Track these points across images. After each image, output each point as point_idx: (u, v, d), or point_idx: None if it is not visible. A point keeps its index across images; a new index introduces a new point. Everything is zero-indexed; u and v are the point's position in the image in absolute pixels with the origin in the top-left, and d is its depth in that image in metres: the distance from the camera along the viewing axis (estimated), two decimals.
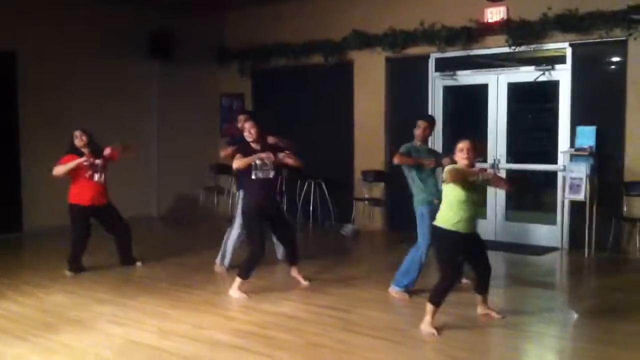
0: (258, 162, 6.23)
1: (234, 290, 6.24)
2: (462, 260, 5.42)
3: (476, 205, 5.27)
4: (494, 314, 5.54)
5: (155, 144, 11.20)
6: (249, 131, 6.32)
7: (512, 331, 5.34)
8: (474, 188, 5.20)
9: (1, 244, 8.89)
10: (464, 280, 6.23)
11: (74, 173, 7.23)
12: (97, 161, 7.29)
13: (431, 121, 6.69)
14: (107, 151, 7.34)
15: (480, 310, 5.58)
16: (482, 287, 5.56)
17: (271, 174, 6.31)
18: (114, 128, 10.28)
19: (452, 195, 5.20)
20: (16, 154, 9.61)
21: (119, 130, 10.29)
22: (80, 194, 7.27)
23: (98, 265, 7.48)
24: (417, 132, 6.50)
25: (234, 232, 7.15)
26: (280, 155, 6.27)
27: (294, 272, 6.69)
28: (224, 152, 7.16)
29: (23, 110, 9.63)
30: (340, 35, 10.26)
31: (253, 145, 6.35)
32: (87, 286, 6.69)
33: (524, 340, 5.24)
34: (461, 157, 5.19)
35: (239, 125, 7.26)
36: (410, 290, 6.19)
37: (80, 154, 7.21)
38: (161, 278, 7.04)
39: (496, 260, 7.88)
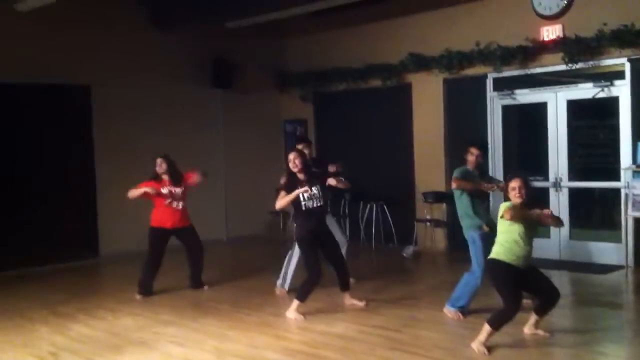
0: (305, 195, 6.39)
1: (292, 312, 6.43)
2: (521, 289, 5.43)
3: (531, 242, 5.32)
4: (541, 333, 5.53)
5: (222, 170, 11.58)
6: (294, 162, 6.49)
7: (566, 350, 5.33)
8: (531, 226, 5.27)
9: (78, 270, 9.40)
10: (525, 301, 6.22)
11: (154, 199, 7.63)
12: (176, 189, 7.65)
13: (483, 150, 6.74)
14: (191, 179, 7.72)
15: (527, 329, 5.58)
16: (544, 309, 5.55)
17: (320, 202, 6.49)
18: (182, 155, 10.74)
19: (508, 233, 5.29)
20: (92, 182, 10.17)
21: (187, 157, 10.73)
22: (162, 219, 7.71)
23: (165, 289, 7.82)
24: (470, 158, 6.57)
25: (294, 256, 7.36)
26: (330, 180, 6.42)
27: (347, 298, 6.80)
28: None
29: (98, 140, 10.21)
30: (398, 59, 10.42)
31: (299, 175, 6.52)
32: (154, 309, 7.03)
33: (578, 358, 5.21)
34: (514, 195, 5.28)
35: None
36: (465, 311, 6.24)
37: (160, 181, 7.60)
38: (224, 301, 7.32)
39: (560, 280, 7.93)
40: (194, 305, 7.20)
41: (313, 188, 6.44)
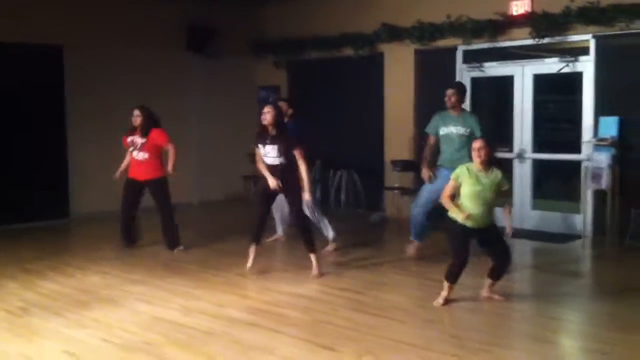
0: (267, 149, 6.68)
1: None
2: (469, 246, 5.68)
3: (486, 203, 5.53)
4: (496, 297, 5.79)
5: (195, 134, 11.66)
6: (265, 114, 6.62)
7: (520, 314, 5.61)
8: (484, 187, 5.49)
9: (49, 229, 9.47)
10: None
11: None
12: (138, 139, 7.81)
13: (457, 87, 7.30)
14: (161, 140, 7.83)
15: (484, 293, 5.83)
16: (495, 274, 5.79)
17: (280, 160, 6.66)
18: None
19: (460, 194, 5.58)
20: (64, 143, 10.19)
21: (161, 121, 10.83)
22: (130, 169, 7.98)
23: (136, 249, 7.97)
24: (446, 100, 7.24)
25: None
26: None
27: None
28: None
29: (70, 101, 10.20)
30: (371, 29, 10.52)
31: (269, 129, 6.65)
32: (122, 268, 7.17)
33: (530, 323, 5.50)
34: (475, 155, 5.53)
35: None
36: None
37: (133, 133, 7.83)
38: (193, 261, 7.48)
39: (521, 248, 8.23)
40: (162, 265, 7.36)
41: (273, 146, 6.60)
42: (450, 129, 7.26)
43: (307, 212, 7.30)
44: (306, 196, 6.66)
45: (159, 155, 7.90)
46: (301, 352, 4.68)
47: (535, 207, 9.27)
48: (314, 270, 6.68)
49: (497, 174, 5.60)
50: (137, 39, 10.76)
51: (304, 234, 6.76)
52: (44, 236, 9.01)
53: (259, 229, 6.88)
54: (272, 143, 6.64)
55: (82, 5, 10.13)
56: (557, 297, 6.08)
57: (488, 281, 5.85)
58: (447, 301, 5.65)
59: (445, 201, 5.65)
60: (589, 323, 5.58)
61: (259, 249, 6.94)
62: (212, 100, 11.85)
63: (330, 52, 11.17)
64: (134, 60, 10.77)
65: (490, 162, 5.56)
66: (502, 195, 5.71)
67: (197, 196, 11.79)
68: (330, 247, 7.77)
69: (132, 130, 7.90)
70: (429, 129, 7.53)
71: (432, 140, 7.46)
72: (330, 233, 7.79)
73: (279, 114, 6.72)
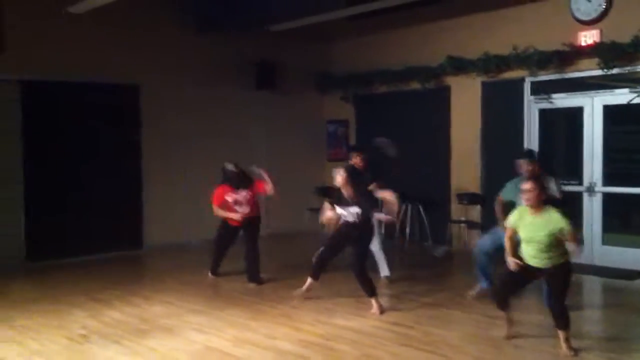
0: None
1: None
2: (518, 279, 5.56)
3: (545, 245, 5.31)
4: (563, 347, 5.38)
5: (264, 168, 11.87)
6: (335, 177, 6.79)
7: (582, 355, 5.40)
8: (536, 229, 5.32)
9: (121, 260, 9.84)
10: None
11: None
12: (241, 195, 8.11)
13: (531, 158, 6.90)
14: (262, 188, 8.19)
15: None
16: (554, 321, 5.45)
17: (355, 219, 6.73)
18: (225, 153, 11.13)
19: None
20: (139, 178, 10.60)
21: (232, 156, 11.06)
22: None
23: (202, 281, 8.20)
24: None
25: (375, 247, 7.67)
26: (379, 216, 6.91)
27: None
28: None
29: (145, 138, 10.65)
30: (437, 62, 10.54)
31: (344, 191, 6.78)
32: (185, 298, 7.36)
33: None
34: (523, 199, 5.38)
35: (352, 161, 7.92)
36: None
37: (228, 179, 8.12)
38: (252, 293, 7.62)
39: (591, 285, 8.08)
40: (223, 296, 7.52)
41: (352, 209, 6.68)
42: None
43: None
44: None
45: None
46: None
47: (606, 242, 8.95)
48: (375, 309, 6.64)
49: (552, 214, 5.33)
50: (208, 76, 11.15)
51: (363, 279, 6.74)
52: (116, 267, 9.36)
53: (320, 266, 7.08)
54: (346, 205, 6.74)
55: (157, 46, 10.61)
56: (628, 338, 5.85)
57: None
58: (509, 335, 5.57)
59: (506, 242, 5.52)
60: None
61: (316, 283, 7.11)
62: (282, 135, 12.08)
63: (397, 86, 11.24)
64: (205, 98, 11.15)
65: (543, 203, 5.34)
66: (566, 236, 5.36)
67: (264, 229, 11.96)
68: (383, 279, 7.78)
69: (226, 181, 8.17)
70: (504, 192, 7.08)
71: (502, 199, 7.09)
72: (384, 270, 7.76)
73: (351, 174, 6.83)
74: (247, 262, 8.09)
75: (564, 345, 5.31)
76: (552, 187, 6.47)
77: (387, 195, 6.93)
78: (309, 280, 7.12)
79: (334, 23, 11.02)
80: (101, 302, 7.23)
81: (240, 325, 6.25)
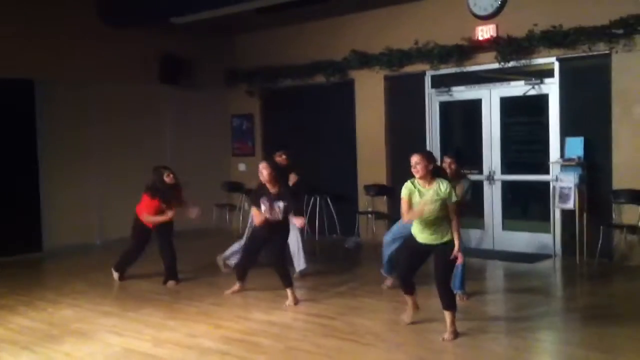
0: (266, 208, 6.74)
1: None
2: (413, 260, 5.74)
3: (435, 216, 5.47)
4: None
5: (169, 164, 11.62)
6: (261, 172, 6.76)
7: (494, 335, 5.65)
8: (426, 200, 5.47)
9: (21, 263, 9.38)
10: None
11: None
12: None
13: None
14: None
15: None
16: (440, 301, 5.63)
17: (279, 217, 6.74)
18: (128, 150, 10.89)
19: None
20: (35, 177, 10.13)
21: (134, 152, 10.86)
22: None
23: (108, 282, 7.96)
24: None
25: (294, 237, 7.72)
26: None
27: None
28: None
29: (41, 135, 10.17)
30: (341, 56, 10.68)
31: (269, 186, 6.77)
32: (95, 300, 7.13)
33: (502, 344, 5.52)
34: (413, 171, 5.52)
35: (277, 159, 7.89)
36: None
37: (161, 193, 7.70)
38: (166, 292, 7.48)
39: (493, 268, 8.43)
40: (135, 296, 7.32)
41: (279, 204, 6.68)
42: None
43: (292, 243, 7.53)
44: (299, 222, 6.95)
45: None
46: None
47: (506, 227, 9.38)
48: (290, 300, 6.69)
49: (441, 184, 5.47)
50: (109, 71, 10.74)
51: (283, 271, 6.80)
52: (16, 270, 8.92)
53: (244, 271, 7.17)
54: (272, 200, 6.72)
55: (52, 38, 10.12)
56: (530, 318, 6.15)
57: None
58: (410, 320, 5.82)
59: (404, 217, 5.63)
60: (560, 342, 5.65)
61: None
62: (186, 130, 11.87)
63: (303, 80, 11.29)
64: (106, 93, 10.76)
65: (432, 175, 5.49)
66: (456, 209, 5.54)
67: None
68: (296, 275, 7.82)
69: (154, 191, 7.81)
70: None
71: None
72: (301, 264, 7.86)
73: (274, 170, 6.85)
74: (166, 260, 7.88)
75: (448, 327, 5.47)
76: (466, 188, 6.67)
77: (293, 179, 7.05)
78: (237, 284, 7.15)
79: (239, 16, 10.92)
80: (5, 308, 6.89)
81: (157, 325, 6.13)
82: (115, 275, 8.04)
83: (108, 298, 7.23)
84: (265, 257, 7.01)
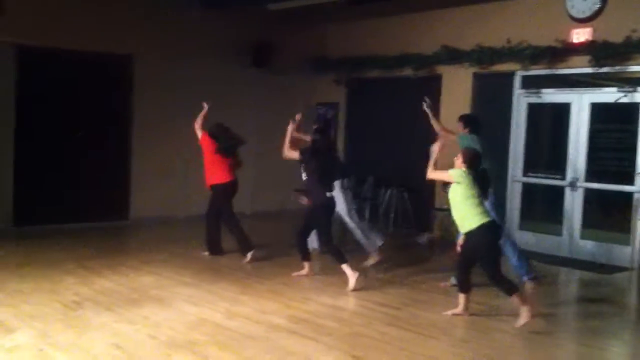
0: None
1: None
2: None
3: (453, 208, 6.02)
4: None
5: (253, 146, 11.95)
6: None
7: (561, 341, 5.63)
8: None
9: (108, 230, 9.92)
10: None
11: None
12: None
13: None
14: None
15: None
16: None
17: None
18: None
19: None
20: (128, 150, 10.67)
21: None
22: None
23: (186, 255, 8.33)
24: None
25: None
26: None
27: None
28: None
29: (136, 109, 10.69)
30: (431, 50, 10.67)
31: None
32: (174, 270, 7.48)
33: (568, 350, 5.52)
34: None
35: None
36: None
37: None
38: (240, 268, 7.76)
39: (567, 276, 8.42)
40: (212, 269, 7.63)
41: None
42: None
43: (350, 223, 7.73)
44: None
45: (212, 161, 8.22)
46: None
47: (584, 236, 9.20)
48: (352, 279, 6.88)
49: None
50: (204, 52, 11.14)
51: (333, 249, 7.11)
52: (104, 236, 9.44)
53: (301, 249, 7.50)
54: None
55: (152, 17, 10.61)
56: (601, 327, 6.08)
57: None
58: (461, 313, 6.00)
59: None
60: (626, 353, 5.57)
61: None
62: (272, 115, 12.11)
63: (390, 72, 11.35)
64: (199, 73, 11.12)
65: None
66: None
67: (250, 207, 12.08)
68: (370, 261, 7.95)
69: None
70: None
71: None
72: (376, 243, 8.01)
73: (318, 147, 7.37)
74: (236, 233, 8.18)
75: (522, 309, 5.67)
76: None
77: None
78: (305, 265, 7.40)
79: (331, 6, 11.10)
80: (90, 270, 7.32)
81: (231, 299, 6.39)
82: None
83: (186, 269, 7.55)
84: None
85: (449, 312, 6.08)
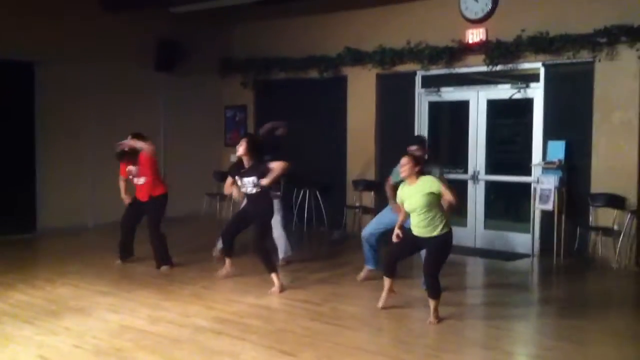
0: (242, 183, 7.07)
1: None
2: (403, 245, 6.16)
3: (421, 211, 5.90)
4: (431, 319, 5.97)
5: (161, 152, 11.89)
6: (238, 149, 7.06)
7: (470, 323, 6.03)
8: (412, 197, 5.95)
9: (15, 243, 9.62)
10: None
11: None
12: (132, 167, 8.03)
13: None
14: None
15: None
16: (426, 290, 6.05)
17: (255, 190, 7.02)
18: (121, 136, 11.07)
19: None
20: (31, 159, 10.37)
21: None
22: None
23: (106, 263, 8.25)
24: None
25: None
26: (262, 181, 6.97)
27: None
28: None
29: (39, 117, 10.42)
30: (335, 52, 10.97)
31: (244, 160, 7.07)
32: (90, 280, 7.39)
33: (479, 332, 5.91)
34: (400, 171, 6.07)
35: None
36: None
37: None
38: (158, 275, 7.76)
39: (474, 265, 8.78)
40: (130, 278, 7.59)
41: (249, 178, 6.98)
42: None
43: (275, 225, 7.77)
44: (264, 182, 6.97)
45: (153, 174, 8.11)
46: (264, 357, 5.02)
47: (487, 226, 9.73)
48: (276, 287, 6.95)
49: (425, 179, 5.94)
50: (107, 56, 10.92)
51: (265, 256, 7.06)
52: (12, 250, 9.16)
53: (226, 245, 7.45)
54: (248, 175, 7.01)
55: (52, 23, 10.34)
56: (505, 309, 6.50)
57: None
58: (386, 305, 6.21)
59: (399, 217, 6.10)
60: (532, 332, 6.01)
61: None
62: (179, 118, 12.11)
63: (297, 73, 11.57)
64: (103, 77, 10.96)
65: (417, 174, 5.97)
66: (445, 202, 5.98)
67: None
68: (281, 262, 8.12)
69: (122, 158, 8.07)
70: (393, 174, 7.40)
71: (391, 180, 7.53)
72: (284, 251, 8.19)
73: (253, 143, 7.10)
74: (156, 245, 8.12)
75: (432, 313, 5.88)
76: (436, 174, 6.98)
77: (277, 165, 7.05)
78: (227, 260, 7.45)
79: (236, 7, 11.20)
80: (3, 285, 7.13)
81: (152, 306, 6.41)
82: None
83: (103, 279, 7.48)
84: (251, 244, 7.30)
85: (380, 303, 6.27)
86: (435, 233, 5.91)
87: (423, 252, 6.25)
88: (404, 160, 6.00)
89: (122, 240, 8.29)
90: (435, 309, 5.89)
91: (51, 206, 10.45)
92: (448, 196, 5.87)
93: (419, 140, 7.55)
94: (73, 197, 10.74)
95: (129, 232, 8.27)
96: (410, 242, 6.08)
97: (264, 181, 6.91)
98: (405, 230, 6.10)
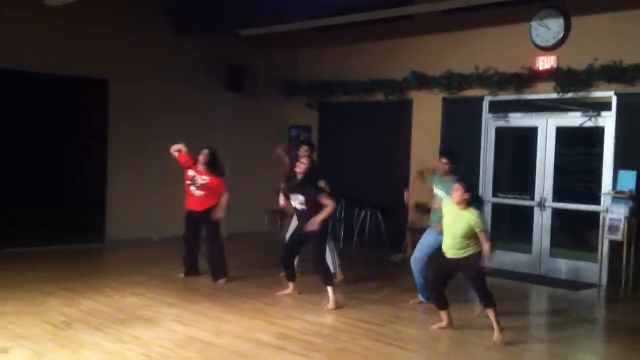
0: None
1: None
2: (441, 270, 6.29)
3: (457, 236, 6.07)
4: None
5: (227, 169, 12.11)
6: (300, 162, 7.29)
7: (535, 354, 5.92)
8: (454, 221, 6.10)
9: (85, 253, 9.95)
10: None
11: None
12: (199, 177, 8.33)
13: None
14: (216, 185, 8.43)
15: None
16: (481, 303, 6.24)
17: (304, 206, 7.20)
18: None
19: None
20: (103, 173, 10.74)
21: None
22: (187, 201, 8.43)
23: (166, 277, 8.43)
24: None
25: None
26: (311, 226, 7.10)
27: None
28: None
29: (112, 132, 10.81)
30: (401, 76, 11.02)
31: (299, 174, 7.23)
32: (156, 291, 7.57)
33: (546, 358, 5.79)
34: (452, 195, 6.21)
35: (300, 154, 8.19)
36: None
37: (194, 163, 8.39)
38: (222, 289, 7.90)
39: (538, 293, 8.72)
40: (194, 290, 7.75)
41: (298, 196, 7.17)
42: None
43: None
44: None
45: (214, 194, 8.38)
46: None
47: (553, 254, 9.55)
48: (331, 303, 7.04)
49: (471, 213, 6.07)
50: (178, 76, 11.35)
51: (325, 270, 7.24)
52: (81, 259, 9.48)
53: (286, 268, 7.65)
54: (296, 192, 7.23)
55: (128, 42, 10.79)
56: (570, 340, 6.37)
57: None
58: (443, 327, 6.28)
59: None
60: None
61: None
62: (245, 136, 12.34)
63: (361, 96, 11.66)
64: (174, 97, 11.35)
65: (467, 203, 6.09)
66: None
67: (225, 229, 12.19)
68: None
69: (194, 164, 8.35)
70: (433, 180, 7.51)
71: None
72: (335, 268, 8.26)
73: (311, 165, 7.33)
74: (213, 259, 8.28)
75: (495, 326, 5.99)
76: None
77: (325, 201, 7.16)
78: (290, 285, 7.61)
79: (303, 32, 11.42)
80: (73, 291, 7.38)
81: (216, 318, 6.53)
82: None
83: (168, 290, 7.66)
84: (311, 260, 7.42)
85: (435, 326, 6.33)
86: (466, 254, 6.07)
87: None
88: (457, 185, 6.14)
89: (186, 255, 8.46)
90: (497, 320, 5.98)
91: (120, 218, 10.77)
92: (483, 239, 6.03)
93: (450, 152, 7.58)
94: (140, 210, 11.04)
95: (193, 247, 8.42)
96: (445, 266, 6.22)
97: (319, 217, 7.08)
98: (439, 254, 6.29)
